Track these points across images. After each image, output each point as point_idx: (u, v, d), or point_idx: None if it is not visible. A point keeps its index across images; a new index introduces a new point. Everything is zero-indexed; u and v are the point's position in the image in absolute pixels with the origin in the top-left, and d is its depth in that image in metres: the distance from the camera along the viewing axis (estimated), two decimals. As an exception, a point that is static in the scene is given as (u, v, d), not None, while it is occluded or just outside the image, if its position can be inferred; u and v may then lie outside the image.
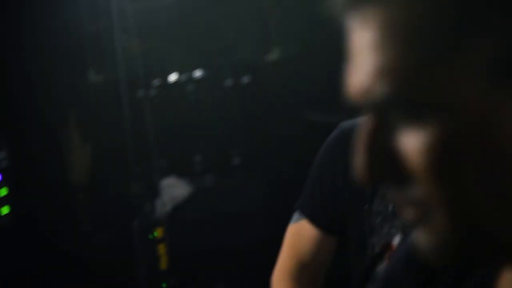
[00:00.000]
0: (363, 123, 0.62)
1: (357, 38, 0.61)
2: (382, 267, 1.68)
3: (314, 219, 1.79)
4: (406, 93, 0.58)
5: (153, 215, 2.81)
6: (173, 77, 3.80)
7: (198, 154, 3.68)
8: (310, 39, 3.72)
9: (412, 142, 0.59)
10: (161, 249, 2.77)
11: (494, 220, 0.60)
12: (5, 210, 3.33)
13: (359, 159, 0.63)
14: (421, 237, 0.64)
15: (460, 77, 0.56)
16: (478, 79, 0.56)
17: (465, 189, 0.59)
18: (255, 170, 3.68)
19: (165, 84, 3.74)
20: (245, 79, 3.89)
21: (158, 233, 2.78)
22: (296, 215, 1.83)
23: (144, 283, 2.77)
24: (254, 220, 3.48)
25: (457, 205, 0.60)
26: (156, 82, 3.57)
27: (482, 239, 0.61)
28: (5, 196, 3.33)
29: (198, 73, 3.87)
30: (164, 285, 2.80)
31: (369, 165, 0.62)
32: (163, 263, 2.78)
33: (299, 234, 1.82)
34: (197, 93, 3.79)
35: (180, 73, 3.81)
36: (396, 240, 1.64)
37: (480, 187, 0.59)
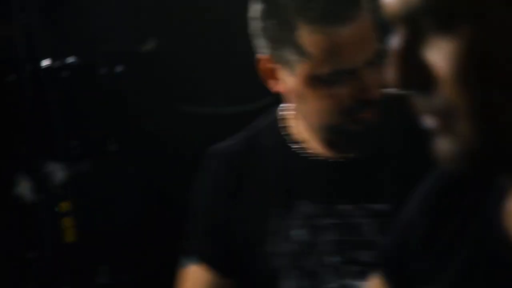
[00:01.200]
0: (395, 38, 0.68)
1: None
2: None
3: (213, 264, 1.64)
4: (438, 3, 0.63)
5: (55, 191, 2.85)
6: (45, 62, 3.75)
7: (74, 139, 3.65)
8: (185, 30, 3.78)
9: (441, 51, 0.64)
10: (67, 222, 2.81)
11: None
12: None
13: (392, 69, 0.67)
14: (442, 146, 0.67)
15: None
16: None
17: (490, 98, 0.62)
18: (131, 157, 3.70)
19: (37, 69, 3.69)
20: (119, 68, 3.89)
21: (63, 207, 2.82)
22: (190, 259, 1.67)
23: (50, 257, 2.80)
24: (128, 206, 3.50)
25: (482, 114, 0.63)
26: (28, 67, 3.52)
27: (504, 149, 0.65)
28: None
29: (71, 60, 3.83)
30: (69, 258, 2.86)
31: (400, 73, 0.67)
32: (69, 237, 2.81)
33: (196, 279, 1.65)
34: (70, 79, 3.76)
35: (53, 59, 3.76)
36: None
37: (506, 96, 0.62)
